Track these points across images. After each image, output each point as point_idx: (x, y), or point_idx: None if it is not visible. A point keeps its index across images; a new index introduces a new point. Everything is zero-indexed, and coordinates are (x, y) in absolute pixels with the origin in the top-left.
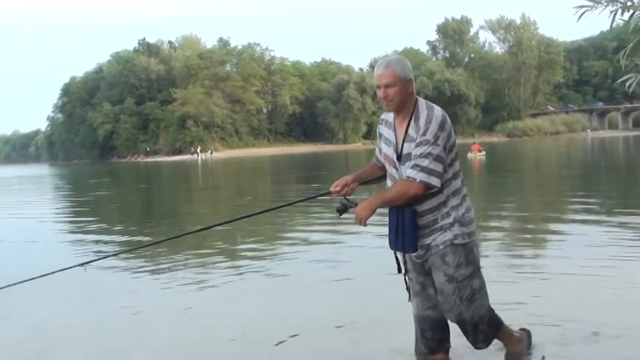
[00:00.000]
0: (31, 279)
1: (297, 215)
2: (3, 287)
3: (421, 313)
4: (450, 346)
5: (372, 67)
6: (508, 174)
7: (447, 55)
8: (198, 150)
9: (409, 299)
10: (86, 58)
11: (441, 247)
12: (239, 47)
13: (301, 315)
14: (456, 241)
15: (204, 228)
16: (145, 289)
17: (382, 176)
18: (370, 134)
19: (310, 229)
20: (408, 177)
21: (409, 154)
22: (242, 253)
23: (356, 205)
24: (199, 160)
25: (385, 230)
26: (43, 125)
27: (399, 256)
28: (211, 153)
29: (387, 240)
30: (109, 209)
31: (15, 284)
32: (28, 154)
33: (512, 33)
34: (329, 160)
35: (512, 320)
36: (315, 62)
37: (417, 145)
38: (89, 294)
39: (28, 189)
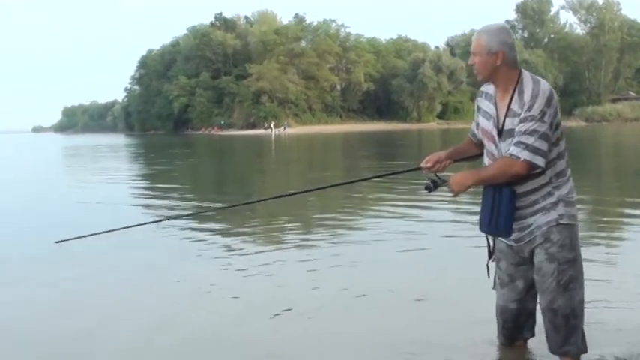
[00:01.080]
0: (109, 231)
1: (372, 190)
2: (80, 237)
3: (505, 304)
4: (530, 336)
5: (448, 45)
6: (591, 159)
7: (526, 36)
8: (272, 125)
9: (493, 287)
10: (163, 32)
11: (544, 227)
12: (314, 23)
13: (372, 285)
14: (562, 221)
15: (285, 195)
16: (213, 251)
17: (478, 155)
18: (445, 114)
19: (386, 203)
20: (511, 155)
21: (511, 130)
22: (319, 223)
23: (446, 182)
24: (272, 136)
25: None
26: (120, 96)
27: (490, 241)
28: (284, 129)
29: (466, 217)
30: (189, 177)
31: (100, 233)
32: (105, 123)
33: (594, 14)
34: (402, 139)
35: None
36: (391, 39)
37: (522, 121)
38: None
39: (113, 157)
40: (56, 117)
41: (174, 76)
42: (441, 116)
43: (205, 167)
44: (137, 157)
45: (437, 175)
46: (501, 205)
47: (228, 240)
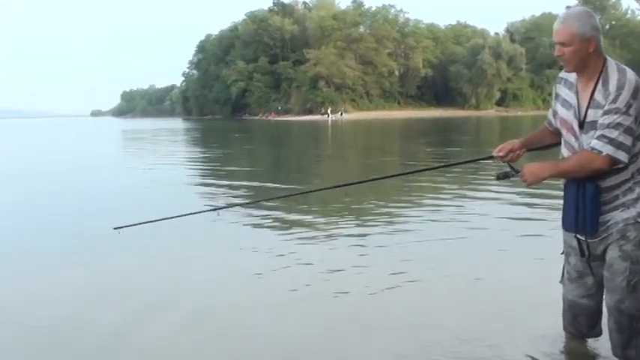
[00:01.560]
0: (169, 218)
1: (432, 177)
2: (142, 222)
3: (574, 299)
4: (600, 333)
5: (507, 31)
6: None
7: None
8: (329, 111)
9: (560, 280)
10: (222, 17)
11: (621, 224)
12: (373, 9)
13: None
14: None
15: (347, 184)
16: (268, 237)
17: (553, 144)
18: (504, 101)
19: (447, 190)
20: (593, 148)
21: (594, 122)
22: (376, 209)
23: (519, 172)
24: (329, 121)
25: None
26: (178, 81)
27: (565, 236)
28: (341, 114)
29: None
30: (248, 162)
31: (157, 220)
32: (163, 108)
33: None
34: (460, 126)
35: None
36: (450, 25)
37: (605, 113)
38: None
39: (173, 141)
40: (115, 101)
41: (232, 61)
42: (500, 103)
43: (264, 152)
44: (196, 142)
45: (510, 165)
46: (586, 202)
47: (283, 226)
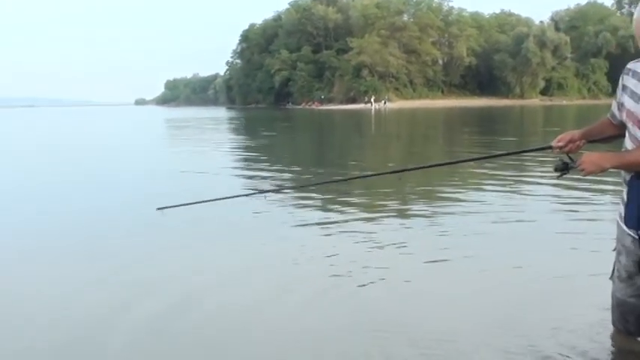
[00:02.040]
0: (212, 200)
1: (479, 168)
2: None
3: (623, 298)
4: None
5: (552, 20)
6: None
7: (633, 10)
8: (372, 99)
9: (610, 277)
10: (265, 6)
11: None
12: None
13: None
14: None
15: (397, 171)
16: (312, 222)
17: (614, 136)
18: (548, 90)
19: (493, 180)
20: None
21: None
22: (420, 197)
23: (576, 162)
24: (373, 110)
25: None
26: (221, 70)
27: (619, 234)
28: (385, 103)
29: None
30: (292, 150)
31: (200, 202)
32: (207, 96)
33: None
34: (504, 115)
35: None
36: (494, 13)
37: None
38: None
39: (218, 129)
40: (158, 90)
41: (275, 50)
42: (544, 92)
43: (309, 140)
44: (242, 130)
45: (569, 156)
46: None
47: (327, 211)
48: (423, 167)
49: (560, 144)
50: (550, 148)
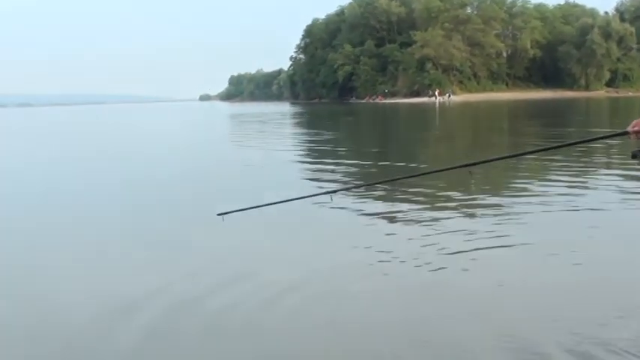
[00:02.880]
0: (275, 203)
1: (550, 158)
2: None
3: None
4: None
5: (617, 10)
6: None
7: None
8: (436, 93)
9: None
10: (328, 1)
11: None
12: None
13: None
14: None
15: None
16: (381, 220)
17: None
18: (614, 82)
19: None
20: None
21: None
22: (488, 189)
23: None
24: (437, 103)
25: None
26: (285, 65)
27: None
28: (449, 96)
29: None
30: (363, 144)
31: (262, 205)
32: (270, 92)
33: None
34: (570, 107)
35: None
36: (558, 5)
37: None
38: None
39: (287, 123)
40: (222, 86)
41: (339, 45)
42: (610, 84)
43: (376, 134)
44: (309, 125)
45: None
46: None
47: (395, 207)
48: (496, 159)
49: (637, 129)
50: (626, 133)
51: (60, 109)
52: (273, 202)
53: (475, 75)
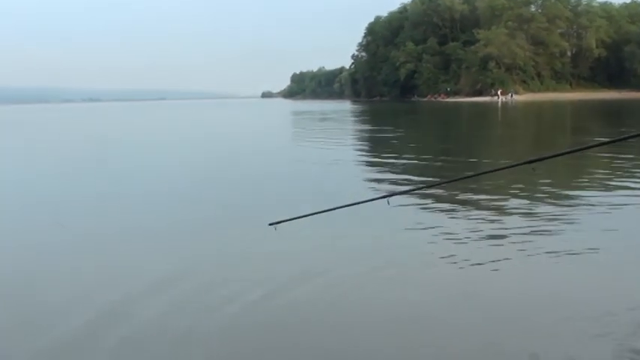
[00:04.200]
0: (341, 207)
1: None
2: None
3: None
4: None
5: None
6: None
7: None
8: (499, 92)
9: None
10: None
11: None
12: None
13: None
14: None
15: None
16: (438, 222)
17: None
18: None
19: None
20: None
21: None
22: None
23: None
24: (499, 103)
25: None
26: (347, 63)
27: None
28: (511, 96)
29: None
30: (422, 143)
31: (313, 214)
32: (332, 90)
33: None
34: (638, 108)
35: None
36: (624, 3)
37: None
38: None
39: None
40: (284, 83)
41: (401, 43)
42: None
43: (438, 132)
44: (379, 122)
45: None
46: None
47: (454, 209)
48: (556, 155)
49: None
50: None
51: (127, 105)
52: (324, 210)
53: (538, 74)
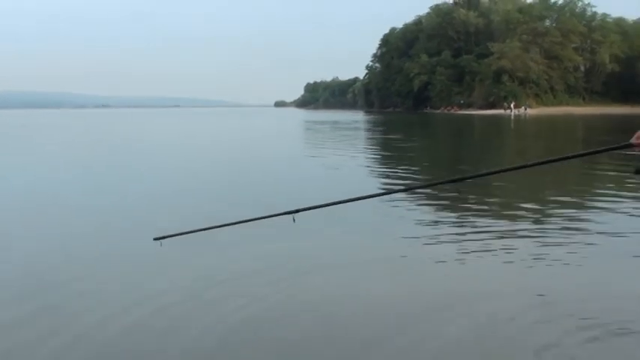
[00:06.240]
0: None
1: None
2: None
3: None
4: None
5: None
6: None
7: None
8: (512, 105)
9: None
10: (406, 10)
11: None
12: (560, 2)
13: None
14: None
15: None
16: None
17: None
18: None
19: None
20: None
21: None
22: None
23: None
24: (512, 116)
25: None
26: (361, 74)
27: None
28: (525, 109)
29: None
30: (434, 156)
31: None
32: (345, 100)
33: None
34: None
35: None
36: (639, 19)
37: None
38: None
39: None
40: (297, 93)
41: (415, 55)
42: None
43: (452, 145)
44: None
45: None
46: None
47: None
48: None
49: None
50: (630, 146)
51: (140, 111)
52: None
53: (552, 88)
